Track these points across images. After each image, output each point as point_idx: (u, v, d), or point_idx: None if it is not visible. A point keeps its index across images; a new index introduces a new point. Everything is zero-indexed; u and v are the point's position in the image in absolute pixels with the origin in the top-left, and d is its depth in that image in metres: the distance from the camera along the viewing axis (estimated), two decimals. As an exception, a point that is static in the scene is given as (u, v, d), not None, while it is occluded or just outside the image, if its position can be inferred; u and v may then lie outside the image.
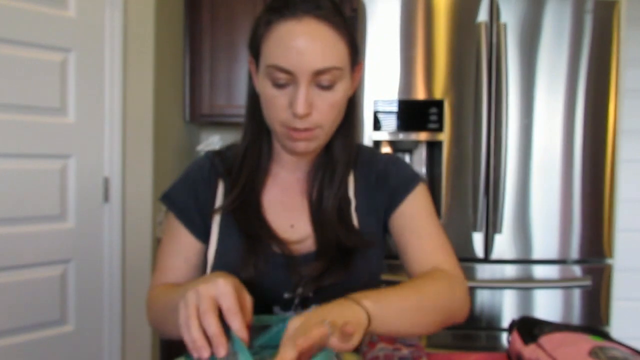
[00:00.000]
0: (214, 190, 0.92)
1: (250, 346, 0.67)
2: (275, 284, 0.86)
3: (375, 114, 1.74)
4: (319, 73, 0.77)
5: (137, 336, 1.99)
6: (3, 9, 1.66)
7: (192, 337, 0.61)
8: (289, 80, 0.78)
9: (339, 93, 0.81)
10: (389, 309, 0.71)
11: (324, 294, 0.86)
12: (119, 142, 1.94)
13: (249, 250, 0.85)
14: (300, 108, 0.77)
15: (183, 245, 0.90)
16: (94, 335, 1.94)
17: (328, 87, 0.79)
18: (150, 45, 1.99)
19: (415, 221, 0.90)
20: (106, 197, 1.93)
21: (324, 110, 0.80)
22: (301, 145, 0.83)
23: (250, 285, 0.82)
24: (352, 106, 0.90)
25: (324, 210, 0.88)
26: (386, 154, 1.00)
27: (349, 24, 0.82)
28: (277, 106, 0.80)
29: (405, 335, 0.76)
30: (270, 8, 0.80)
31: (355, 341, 0.62)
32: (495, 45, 1.71)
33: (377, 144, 1.77)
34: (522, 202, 1.73)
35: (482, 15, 1.72)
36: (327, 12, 0.77)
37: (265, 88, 0.81)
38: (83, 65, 1.84)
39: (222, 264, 0.87)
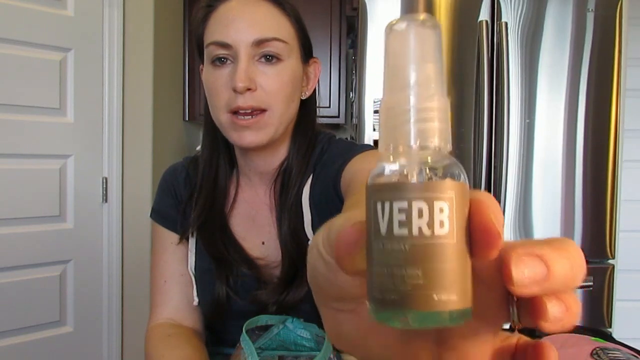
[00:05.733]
0: (190, 200, 0.88)
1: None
2: (245, 306, 0.83)
3: (376, 113, 1.73)
4: (259, 44, 0.73)
5: (136, 337, 1.99)
6: (1, 7, 1.65)
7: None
8: (228, 56, 0.74)
9: (287, 71, 0.75)
10: None
11: (296, 315, 0.82)
12: (117, 142, 1.94)
13: (219, 273, 0.82)
14: (240, 79, 0.71)
15: (181, 251, 0.88)
16: (93, 336, 1.93)
17: (272, 62, 0.74)
18: (149, 44, 1.98)
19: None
20: (105, 198, 1.92)
21: (269, 88, 0.74)
22: (248, 135, 0.75)
23: (220, 304, 0.81)
24: (310, 109, 0.84)
25: (285, 226, 0.80)
26: (327, 142, 0.86)
27: (295, 10, 0.79)
28: (218, 88, 0.74)
29: None
30: (206, 4, 0.79)
31: None
32: (496, 45, 1.70)
33: (378, 144, 1.76)
34: (524, 202, 1.72)
35: (483, 14, 1.71)
36: None
37: (206, 74, 0.77)
38: (82, 64, 1.84)
39: (202, 280, 0.86)
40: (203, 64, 0.82)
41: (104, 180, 1.92)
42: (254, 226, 0.87)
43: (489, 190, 1.72)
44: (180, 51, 2.32)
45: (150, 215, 0.93)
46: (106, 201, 1.93)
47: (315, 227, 0.80)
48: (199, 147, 0.97)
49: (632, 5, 1.83)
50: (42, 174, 1.78)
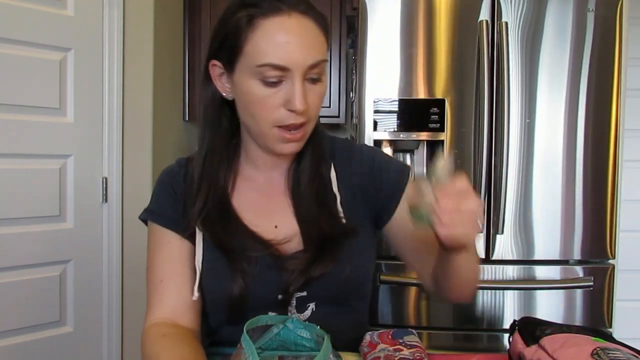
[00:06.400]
0: (191, 197, 0.89)
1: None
2: (267, 288, 0.84)
3: (376, 113, 1.74)
4: (311, 67, 0.77)
5: (136, 337, 1.98)
6: (1, 7, 1.65)
7: None
8: (282, 77, 0.77)
9: (324, 85, 0.83)
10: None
11: (317, 291, 0.85)
12: (117, 142, 1.94)
13: (234, 260, 0.83)
14: (300, 103, 0.76)
15: (178, 250, 0.88)
16: (93, 336, 1.93)
17: (316, 80, 0.80)
18: (149, 44, 1.98)
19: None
20: (105, 197, 1.92)
21: (314, 103, 0.81)
22: (292, 147, 0.83)
23: (241, 293, 0.82)
24: None
25: (304, 205, 0.88)
26: (362, 144, 1.01)
27: (327, 23, 0.83)
28: (269, 106, 0.78)
29: (454, 284, 0.85)
30: (244, 4, 0.78)
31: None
32: (496, 44, 1.70)
33: (378, 143, 1.76)
34: (524, 202, 1.72)
35: (484, 14, 1.71)
36: (307, 6, 0.79)
37: (252, 89, 0.78)
38: (82, 64, 1.84)
39: (211, 274, 0.85)
40: (220, 62, 0.83)
41: (104, 180, 1.92)
42: (265, 211, 0.90)
43: (489, 190, 1.72)
44: (180, 51, 2.32)
45: (144, 216, 0.93)
46: (106, 201, 1.93)
47: (345, 207, 0.89)
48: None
49: (632, 5, 1.83)
50: (42, 174, 1.78)
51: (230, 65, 0.81)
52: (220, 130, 0.88)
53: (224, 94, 0.84)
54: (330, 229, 0.85)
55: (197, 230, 0.86)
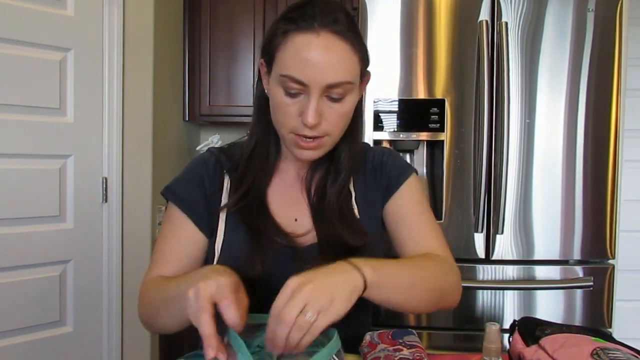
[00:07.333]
0: (220, 185, 0.94)
1: (248, 346, 0.67)
2: (282, 276, 0.86)
3: (376, 113, 1.74)
4: (331, 87, 0.80)
5: (136, 337, 1.99)
6: (1, 7, 1.65)
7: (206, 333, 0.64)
8: (301, 90, 0.81)
9: (348, 104, 0.85)
10: (386, 279, 0.73)
11: None
12: (117, 142, 1.94)
13: (255, 245, 0.87)
14: (310, 118, 0.80)
15: (185, 238, 0.91)
16: (93, 336, 1.93)
17: (338, 100, 0.82)
18: (150, 44, 1.98)
19: (409, 209, 0.95)
20: (105, 198, 1.92)
21: (332, 120, 0.84)
22: (307, 154, 0.87)
23: (257, 280, 0.84)
24: (357, 113, 0.92)
25: (325, 210, 0.92)
26: (378, 147, 1.04)
27: (362, 37, 0.86)
28: (288, 114, 0.83)
29: (395, 307, 0.78)
30: (286, 18, 0.82)
31: (341, 312, 0.65)
32: (496, 44, 1.70)
33: (378, 143, 1.76)
34: (524, 202, 1.72)
35: (484, 14, 1.71)
36: (343, 27, 0.81)
37: (276, 95, 0.83)
38: (82, 64, 1.84)
39: (229, 258, 0.88)
40: (265, 62, 0.87)
41: (104, 180, 1.92)
42: (287, 204, 0.94)
43: (489, 190, 1.72)
44: (180, 51, 2.32)
45: (165, 192, 0.94)
46: (106, 201, 1.93)
47: (359, 203, 0.94)
48: (199, 147, 0.99)
49: (632, 5, 1.83)
50: (42, 174, 1.78)
51: (269, 67, 0.86)
52: (269, 125, 0.92)
53: (265, 91, 0.89)
54: (350, 238, 0.89)
55: (220, 216, 0.90)
